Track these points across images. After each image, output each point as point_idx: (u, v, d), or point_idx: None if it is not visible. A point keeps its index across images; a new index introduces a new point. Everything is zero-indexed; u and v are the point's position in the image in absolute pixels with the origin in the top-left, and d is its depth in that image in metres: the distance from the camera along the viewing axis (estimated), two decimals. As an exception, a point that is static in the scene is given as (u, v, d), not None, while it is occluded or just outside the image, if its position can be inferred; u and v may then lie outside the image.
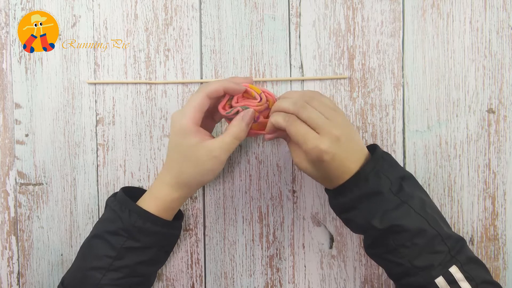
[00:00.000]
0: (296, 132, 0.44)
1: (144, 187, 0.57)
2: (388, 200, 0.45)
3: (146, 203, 0.49)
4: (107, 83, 0.57)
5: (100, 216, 0.57)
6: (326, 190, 0.50)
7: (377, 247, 0.47)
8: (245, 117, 0.48)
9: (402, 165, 0.55)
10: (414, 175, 0.55)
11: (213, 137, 0.48)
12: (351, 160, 0.45)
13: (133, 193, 0.51)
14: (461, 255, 0.44)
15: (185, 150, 0.47)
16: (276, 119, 0.46)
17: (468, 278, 0.43)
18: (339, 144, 0.44)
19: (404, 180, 0.46)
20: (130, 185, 0.57)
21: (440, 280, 0.43)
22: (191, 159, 0.47)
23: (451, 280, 0.43)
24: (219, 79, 0.53)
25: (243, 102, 0.49)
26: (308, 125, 0.44)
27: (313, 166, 0.46)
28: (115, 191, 0.55)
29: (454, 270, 0.43)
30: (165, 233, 0.50)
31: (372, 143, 0.53)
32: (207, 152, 0.46)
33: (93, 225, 0.53)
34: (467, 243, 0.52)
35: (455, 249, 0.44)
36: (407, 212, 0.44)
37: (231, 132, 0.47)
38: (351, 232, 0.54)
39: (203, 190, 0.57)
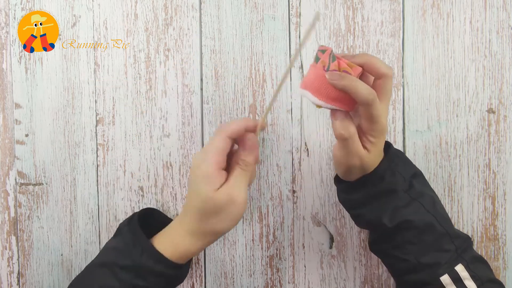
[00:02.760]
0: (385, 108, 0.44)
1: (144, 187, 0.57)
2: (399, 198, 0.45)
3: (163, 246, 0.46)
4: (107, 83, 0.57)
5: (100, 214, 0.57)
6: (338, 183, 0.50)
7: (383, 243, 0.47)
8: (247, 146, 0.45)
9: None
10: (414, 175, 0.55)
11: (227, 175, 0.45)
12: (381, 155, 0.46)
13: (150, 216, 0.50)
14: (467, 254, 0.44)
15: (208, 198, 0.43)
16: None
17: (474, 277, 0.43)
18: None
19: (415, 178, 0.47)
20: (145, 206, 0.56)
21: (445, 278, 0.43)
22: (214, 207, 0.44)
23: (456, 279, 0.43)
24: (236, 119, 0.51)
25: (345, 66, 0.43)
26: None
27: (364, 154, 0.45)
28: (134, 212, 0.53)
29: (460, 268, 0.43)
30: (175, 275, 0.47)
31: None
32: (227, 196, 0.43)
33: (95, 229, 0.53)
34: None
35: (462, 248, 0.44)
36: (417, 209, 0.45)
37: (238, 166, 0.45)
38: (351, 232, 0.54)
39: (203, 190, 0.57)
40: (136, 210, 0.57)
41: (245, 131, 0.46)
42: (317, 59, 0.43)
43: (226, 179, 0.44)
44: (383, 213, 0.45)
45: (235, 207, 0.44)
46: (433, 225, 0.44)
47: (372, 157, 0.44)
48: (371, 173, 0.45)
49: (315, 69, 0.43)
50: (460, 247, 0.44)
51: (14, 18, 0.57)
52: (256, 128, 0.46)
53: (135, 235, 0.46)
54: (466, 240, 0.45)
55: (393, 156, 0.46)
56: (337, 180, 0.50)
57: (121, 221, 0.57)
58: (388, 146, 0.48)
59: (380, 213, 0.45)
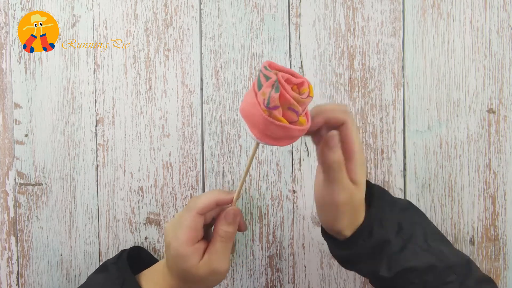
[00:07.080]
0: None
1: (144, 187, 0.57)
2: (393, 244, 0.42)
3: None
4: (107, 83, 0.57)
5: (99, 214, 0.57)
6: (327, 238, 0.47)
7: (384, 286, 0.45)
8: (227, 217, 0.44)
9: (402, 165, 0.55)
10: (414, 175, 0.55)
11: (206, 244, 0.45)
12: (362, 208, 0.43)
13: (136, 255, 0.51)
14: (469, 279, 0.42)
15: (189, 273, 0.44)
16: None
17: None
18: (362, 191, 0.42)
19: (402, 213, 0.44)
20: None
21: None
22: (195, 279, 0.44)
23: None
24: (207, 192, 0.47)
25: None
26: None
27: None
28: (121, 250, 0.53)
29: None
30: None
31: (372, 143, 0.53)
32: (208, 269, 0.44)
33: (95, 230, 0.53)
34: (468, 244, 0.52)
35: (463, 274, 0.42)
36: (413, 251, 0.42)
37: (219, 238, 0.44)
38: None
39: (203, 190, 0.57)
40: (136, 210, 0.57)
41: (217, 205, 0.44)
42: (259, 84, 0.35)
43: (207, 249, 0.44)
44: (380, 265, 0.42)
45: (217, 277, 0.44)
46: (433, 264, 0.42)
47: (358, 192, 0.42)
48: (358, 229, 0.43)
49: (254, 99, 0.35)
50: (460, 274, 0.42)
51: (14, 18, 0.57)
52: (231, 200, 0.44)
53: (126, 278, 0.46)
54: (465, 266, 0.43)
55: (377, 201, 0.44)
56: (325, 234, 0.47)
57: (120, 221, 0.57)
58: (369, 186, 0.45)
59: (377, 266, 0.43)
